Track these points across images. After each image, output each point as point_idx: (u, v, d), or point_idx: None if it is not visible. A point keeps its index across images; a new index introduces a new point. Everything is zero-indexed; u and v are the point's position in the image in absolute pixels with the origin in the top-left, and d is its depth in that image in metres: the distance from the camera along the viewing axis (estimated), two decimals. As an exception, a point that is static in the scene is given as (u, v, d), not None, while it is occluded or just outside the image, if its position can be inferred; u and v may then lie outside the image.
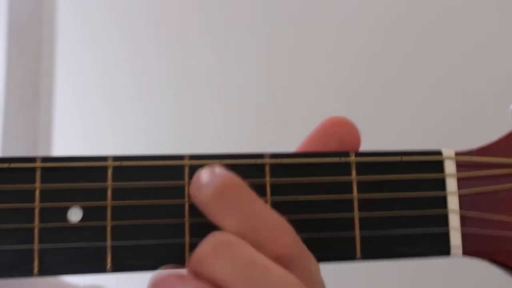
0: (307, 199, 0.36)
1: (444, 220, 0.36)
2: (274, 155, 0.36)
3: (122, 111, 1.25)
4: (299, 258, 0.33)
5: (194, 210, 0.35)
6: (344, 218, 0.36)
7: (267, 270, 0.31)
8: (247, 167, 0.36)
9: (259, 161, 0.36)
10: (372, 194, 0.36)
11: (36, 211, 0.35)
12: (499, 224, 0.36)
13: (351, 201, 0.36)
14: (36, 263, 0.34)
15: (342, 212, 0.36)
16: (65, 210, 0.35)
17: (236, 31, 1.08)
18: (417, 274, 0.82)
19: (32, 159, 0.35)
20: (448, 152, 0.37)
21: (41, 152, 1.31)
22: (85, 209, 0.35)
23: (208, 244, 0.32)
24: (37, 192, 0.35)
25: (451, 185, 0.36)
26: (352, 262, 0.36)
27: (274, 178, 0.36)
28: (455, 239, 0.36)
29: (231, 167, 0.35)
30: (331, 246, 0.35)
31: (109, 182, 0.35)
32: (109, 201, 0.35)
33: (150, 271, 0.35)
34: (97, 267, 0.35)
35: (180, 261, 0.35)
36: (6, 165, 0.35)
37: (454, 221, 0.36)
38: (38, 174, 0.35)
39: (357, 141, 0.37)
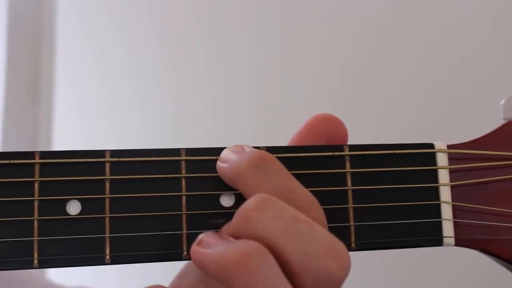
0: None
1: (436, 211, 0.37)
2: (269, 149, 0.37)
3: (122, 110, 1.26)
4: None
5: (191, 202, 0.36)
6: (339, 209, 0.36)
7: (311, 225, 0.32)
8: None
9: None
10: (366, 186, 0.37)
11: (36, 204, 0.35)
12: (490, 214, 0.37)
13: (345, 193, 0.37)
14: (35, 255, 0.35)
15: (337, 204, 0.37)
16: (64, 203, 0.35)
17: (235, 31, 1.09)
18: (411, 264, 0.82)
19: (31, 154, 0.36)
20: (440, 145, 0.38)
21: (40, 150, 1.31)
22: (83, 202, 0.35)
23: (254, 201, 0.32)
24: (36, 186, 0.35)
25: (443, 177, 0.37)
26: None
27: None
28: (448, 229, 0.37)
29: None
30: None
31: (107, 175, 0.36)
32: (107, 194, 0.35)
33: (148, 262, 0.36)
34: (96, 259, 0.35)
35: (177, 252, 0.35)
36: (6, 161, 0.35)
37: (447, 212, 0.37)
38: (37, 168, 0.36)
39: (345, 137, 0.38)
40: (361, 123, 0.84)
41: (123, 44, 1.27)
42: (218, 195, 0.36)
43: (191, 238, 0.35)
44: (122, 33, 1.28)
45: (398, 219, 0.37)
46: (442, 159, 0.37)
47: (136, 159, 0.36)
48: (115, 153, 0.36)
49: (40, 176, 0.35)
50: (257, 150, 0.35)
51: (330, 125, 0.37)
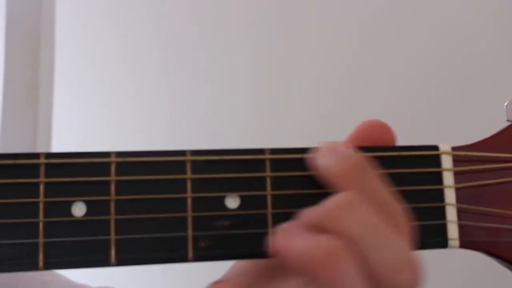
0: (307, 193, 0.36)
1: (441, 213, 0.37)
2: (274, 150, 0.37)
3: (121, 110, 1.26)
4: None
5: (196, 204, 0.36)
6: None
7: (390, 237, 0.32)
8: (247, 162, 0.36)
9: (259, 156, 0.37)
10: None
11: (41, 206, 0.35)
12: (495, 216, 0.37)
13: None
14: (41, 256, 0.35)
15: None
16: (69, 204, 0.35)
17: (234, 31, 1.09)
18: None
19: (36, 155, 0.36)
20: (444, 147, 0.38)
21: (40, 151, 1.31)
22: (88, 204, 0.35)
23: (340, 199, 0.32)
24: (41, 187, 0.35)
25: (448, 179, 0.37)
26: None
27: (274, 172, 0.36)
28: (452, 231, 0.37)
29: (232, 162, 0.36)
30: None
31: (112, 177, 0.36)
32: (112, 196, 0.35)
33: (153, 264, 0.36)
34: (101, 261, 0.35)
35: (183, 254, 0.35)
36: (11, 161, 0.35)
37: (451, 214, 0.37)
38: (42, 169, 0.35)
39: (393, 143, 0.38)
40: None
41: (122, 44, 1.27)
42: (223, 197, 0.36)
43: (197, 240, 0.35)
44: (121, 33, 1.27)
45: None
46: (446, 161, 0.37)
47: (142, 159, 0.36)
48: (120, 154, 0.36)
49: (45, 177, 0.35)
50: (358, 154, 0.35)
51: (379, 131, 0.38)
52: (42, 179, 0.35)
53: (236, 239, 0.36)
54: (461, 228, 0.36)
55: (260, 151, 0.37)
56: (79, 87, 1.33)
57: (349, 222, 0.32)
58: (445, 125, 0.81)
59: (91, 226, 0.35)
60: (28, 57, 1.32)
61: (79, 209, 0.35)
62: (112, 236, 0.35)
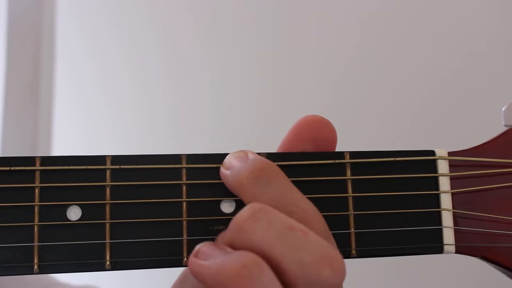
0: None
1: (437, 218, 0.37)
2: (270, 155, 0.37)
3: (121, 110, 1.26)
4: None
5: (192, 209, 0.36)
6: (339, 216, 0.36)
7: (306, 234, 0.32)
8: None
9: None
10: (367, 193, 0.37)
11: (36, 210, 0.35)
12: (491, 222, 0.37)
13: (346, 200, 0.37)
14: (36, 260, 0.35)
15: (337, 210, 0.37)
16: (65, 208, 0.35)
17: (234, 32, 1.09)
18: (412, 271, 0.82)
19: (31, 159, 0.36)
20: (441, 152, 0.38)
21: (41, 152, 1.31)
22: (84, 208, 0.35)
23: (247, 211, 0.32)
24: (37, 191, 0.35)
25: (444, 184, 0.37)
26: (347, 259, 0.36)
27: None
28: (448, 237, 0.37)
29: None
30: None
31: (108, 181, 0.36)
32: (107, 200, 0.35)
33: (148, 268, 0.36)
34: (96, 265, 0.35)
35: (178, 259, 0.35)
36: (7, 167, 0.35)
37: (447, 219, 0.37)
38: (37, 174, 0.36)
39: (333, 139, 0.37)
40: (361, 130, 0.84)
41: (122, 44, 1.27)
42: (219, 202, 0.36)
43: (192, 244, 0.35)
44: (122, 33, 1.28)
45: (399, 226, 0.37)
46: (443, 166, 0.37)
47: (137, 166, 0.36)
48: (116, 159, 0.36)
49: (41, 181, 0.35)
50: (260, 159, 0.34)
51: (317, 127, 0.37)
52: (37, 183, 0.35)
53: None
54: (457, 233, 0.36)
55: (256, 155, 0.37)
56: (79, 87, 1.33)
57: (258, 233, 0.31)
58: (442, 130, 0.81)
59: (86, 230, 0.35)
60: (29, 57, 1.32)
61: (74, 213, 0.35)
62: (107, 240, 0.35)
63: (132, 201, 0.36)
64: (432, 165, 0.37)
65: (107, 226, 0.35)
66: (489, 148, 0.38)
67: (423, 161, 0.37)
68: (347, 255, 0.36)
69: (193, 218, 0.36)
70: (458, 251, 0.37)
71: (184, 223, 0.36)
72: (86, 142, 1.29)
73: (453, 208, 0.37)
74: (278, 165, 0.36)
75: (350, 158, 0.37)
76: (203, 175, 0.36)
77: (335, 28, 0.94)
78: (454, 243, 0.36)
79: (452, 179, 0.37)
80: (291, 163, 0.37)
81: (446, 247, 0.36)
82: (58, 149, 1.32)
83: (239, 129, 1.05)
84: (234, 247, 0.32)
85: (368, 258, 0.37)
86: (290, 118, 1.00)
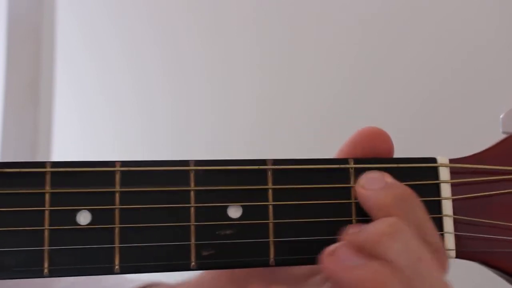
0: (308, 203, 0.37)
1: (438, 224, 0.38)
2: (276, 162, 0.38)
3: (121, 110, 1.26)
4: None
5: (199, 214, 0.36)
6: (343, 221, 0.37)
7: (429, 268, 0.33)
8: (250, 172, 0.37)
9: (261, 167, 0.37)
10: None
11: (46, 214, 0.36)
12: (491, 228, 0.37)
13: (349, 206, 0.37)
14: (46, 264, 0.35)
15: (341, 216, 0.37)
16: (74, 213, 0.36)
17: (234, 32, 1.09)
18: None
19: (42, 164, 0.36)
20: (442, 159, 0.39)
21: (41, 152, 1.32)
22: (93, 212, 0.36)
23: (388, 226, 0.34)
24: (47, 196, 0.36)
25: (445, 191, 0.38)
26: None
27: (276, 184, 0.37)
28: (449, 242, 0.37)
29: (235, 172, 0.37)
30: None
31: (117, 187, 0.36)
32: (117, 205, 0.36)
33: (157, 272, 0.36)
34: (105, 269, 0.36)
35: (186, 263, 0.36)
36: (17, 170, 0.36)
37: (448, 225, 0.38)
38: (47, 178, 0.36)
39: (391, 151, 0.39)
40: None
41: (122, 44, 1.27)
42: (226, 207, 0.37)
43: (199, 249, 0.36)
44: (122, 33, 1.28)
45: None
46: (444, 173, 0.38)
47: (146, 168, 0.37)
48: (125, 164, 0.37)
49: (51, 186, 0.36)
50: (401, 184, 0.36)
51: (377, 139, 0.38)
52: (47, 188, 0.36)
53: (238, 248, 0.36)
54: (458, 239, 0.37)
55: (262, 161, 0.37)
56: (79, 87, 1.33)
57: (396, 249, 0.33)
58: (443, 137, 0.82)
59: (95, 235, 0.36)
60: (29, 57, 1.32)
61: (84, 218, 0.36)
62: (116, 245, 0.36)
63: (141, 206, 0.36)
64: (433, 172, 0.38)
65: (117, 230, 0.36)
66: (490, 155, 0.38)
67: (425, 168, 0.38)
68: None
69: (201, 223, 0.36)
70: (459, 256, 0.37)
71: (192, 227, 0.36)
72: (86, 142, 1.29)
73: (454, 214, 0.38)
74: (285, 169, 0.37)
75: (354, 164, 0.38)
76: (210, 180, 0.37)
77: (336, 28, 0.95)
78: (454, 248, 0.37)
79: (453, 186, 0.38)
80: (297, 167, 0.38)
81: (447, 252, 0.37)
82: (58, 149, 1.33)
83: (239, 129, 1.06)
84: (363, 252, 0.33)
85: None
86: (290, 119, 1.00)
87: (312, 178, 0.38)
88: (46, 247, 0.36)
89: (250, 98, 1.05)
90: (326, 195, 0.37)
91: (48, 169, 0.36)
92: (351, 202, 0.37)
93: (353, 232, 0.35)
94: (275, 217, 0.37)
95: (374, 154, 0.38)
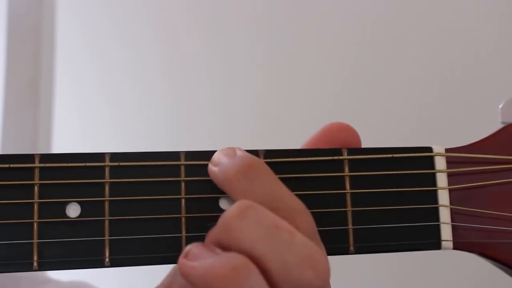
0: (302, 194, 0.36)
1: (435, 214, 0.37)
2: (268, 152, 0.37)
3: (121, 110, 1.26)
4: None
5: (190, 205, 0.36)
6: (337, 212, 0.37)
7: (291, 234, 0.32)
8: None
9: None
10: (365, 190, 0.37)
11: (35, 207, 0.35)
12: (488, 218, 0.37)
13: (344, 196, 0.37)
14: (35, 257, 0.35)
15: (335, 207, 0.37)
16: (64, 205, 0.36)
17: (235, 31, 1.09)
18: (412, 267, 0.83)
19: (30, 157, 0.36)
20: (438, 149, 0.38)
21: (40, 151, 1.31)
22: (83, 205, 0.36)
23: (235, 208, 0.32)
24: (36, 188, 0.36)
25: (442, 180, 0.37)
26: (345, 255, 0.37)
27: None
28: (446, 233, 0.37)
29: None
30: (325, 240, 0.36)
31: (107, 179, 0.36)
32: (106, 197, 0.36)
33: (147, 265, 0.36)
34: (95, 262, 0.35)
35: (176, 255, 0.35)
36: (6, 165, 0.36)
37: (445, 215, 0.37)
38: (36, 171, 0.36)
39: (359, 145, 0.38)
40: (359, 126, 0.84)
41: (122, 44, 1.27)
42: (217, 198, 0.36)
43: (190, 241, 0.35)
44: (122, 33, 1.28)
45: (396, 223, 0.37)
46: (440, 163, 0.37)
47: (136, 163, 0.36)
48: (114, 156, 0.36)
49: (40, 179, 0.36)
50: (248, 155, 0.35)
51: (345, 134, 0.37)
52: (36, 180, 0.36)
53: None
54: (455, 229, 0.37)
55: (255, 152, 0.37)
56: (79, 87, 1.33)
57: (244, 231, 0.31)
58: (439, 127, 0.81)
59: (85, 227, 0.35)
60: (29, 57, 1.32)
61: (73, 210, 0.36)
62: (106, 237, 0.35)
63: (131, 198, 0.36)
64: (429, 162, 0.38)
65: (106, 223, 0.35)
66: (486, 144, 0.38)
67: (421, 158, 0.38)
68: (345, 251, 0.37)
69: (192, 215, 0.36)
70: (456, 247, 0.37)
71: (183, 219, 0.36)
72: (86, 142, 1.29)
73: (451, 204, 0.37)
74: (277, 162, 0.36)
75: (348, 154, 0.37)
76: (201, 172, 0.36)
77: (335, 28, 0.94)
78: (451, 239, 0.37)
79: (450, 175, 0.37)
80: (289, 160, 0.37)
81: (443, 243, 0.37)
82: (58, 149, 1.32)
83: (239, 129, 1.05)
84: (222, 245, 0.32)
85: (366, 255, 0.37)
86: (290, 118, 1.00)
87: (305, 169, 0.37)
88: (35, 240, 0.35)
89: (250, 97, 1.05)
90: (319, 186, 0.37)
91: (37, 164, 0.36)
92: (346, 192, 0.37)
93: (210, 232, 0.33)
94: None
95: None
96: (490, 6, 0.79)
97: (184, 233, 0.36)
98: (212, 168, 0.35)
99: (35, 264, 0.35)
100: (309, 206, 0.36)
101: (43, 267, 0.35)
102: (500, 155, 0.37)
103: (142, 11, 1.24)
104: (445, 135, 0.78)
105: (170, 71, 1.18)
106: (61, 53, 1.35)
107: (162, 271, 0.40)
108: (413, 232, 0.37)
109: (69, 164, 0.36)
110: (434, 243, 0.37)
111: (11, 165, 0.36)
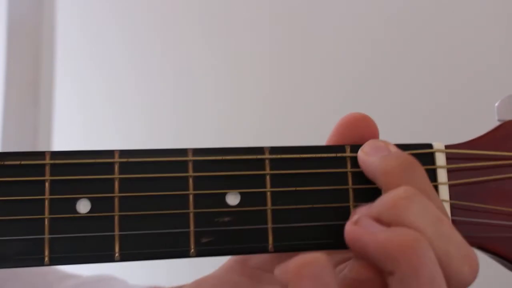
0: (306, 189, 0.37)
1: None
2: (273, 149, 0.38)
3: (122, 110, 1.26)
4: None
5: (198, 201, 0.37)
6: (341, 207, 0.38)
7: (453, 230, 0.33)
8: (247, 160, 0.37)
9: (259, 155, 0.38)
10: (367, 186, 0.38)
11: (46, 203, 0.36)
12: (488, 213, 0.38)
13: (347, 192, 0.38)
14: (46, 252, 0.36)
15: (338, 202, 0.38)
16: (74, 201, 0.36)
17: (240, 31, 1.09)
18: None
19: (41, 154, 0.37)
20: (438, 145, 0.39)
21: (41, 150, 1.32)
22: (93, 201, 0.36)
23: (401, 191, 0.33)
24: (47, 185, 0.36)
25: (442, 176, 0.38)
26: (347, 250, 0.38)
27: (274, 170, 0.37)
28: (446, 227, 0.38)
29: (232, 161, 0.37)
30: (327, 235, 0.37)
31: (116, 175, 0.37)
32: (116, 193, 0.36)
33: (156, 259, 0.37)
34: (105, 257, 0.36)
35: (185, 250, 0.36)
36: (17, 162, 0.36)
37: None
38: (47, 167, 0.36)
39: (376, 134, 0.39)
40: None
41: (123, 43, 1.27)
42: (224, 194, 0.37)
43: (198, 236, 0.36)
44: (122, 33, 1.28)
45: None
46: (440, 159, 0.38)
47: (145, 159, 0.37)
48: (124, 153, 0.37)
49: (51, 175, 0.36)
50: (406, 153, 0.36)
51: (362, 124, 0.38)
52: (47, 176, 0.36)
53: (237, 234, 0.37)
54: (454, 224, 0.38)
55: (260, 149, 0.38)
56: (79, 86, 1.33)
57: (415, 211, 0.32)
58: (439, 124, 0.82)
59: (95, 223, 0.36)
60: (29, 56, 1.33)
61: (83, 206, 0.36)
62: (116, 232, 0.36)
63: (140, 194, 0.37)
64: (430, 158, 0.39)
65: (116, 218, 0.36)
66: (485, 141, 0.39)
67: (421, 154, 0.39)
68: (347, 246, 0.38)
69: (200, 210, 0.37)
70: (456, 241, 0.38)
71: (191, 215, 0.37)
72: (86, 142, 1.29)
73: (450, 199, 0.38)
74: (280, 158, 0.37)
75: (351, 151, 0.38)
76: (209, 167, 0.37)
77: (339, 28, 0.95)
78: (451, 233, 0.38)
79: (449, 171, 0.38)
80: (292, 156, 0.38)
81: (444, 238, 0.38)
82: (58, 149, 1.33)
83: (245, 129, 1.06)
84: (381, 221, 0.33)
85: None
86: (296, 117, 1.00)
87: (309, 166, 0.38)
88: (46, 236, 0.36)
89: (255, 97, 1.05)
90: (323, 181, 0.38)
91: (48, 160, 0.37)
92: (349, 188, 0.38)
93: (365, 208, 0.34)
94: (273, 204, 0.37)
95: (361, 139, 0.38)
96: (489, 5, 0.79)
97: (192, 228, 0.36)
98: (366, 157, 0.36)
99: (46, 259, 0.36)
100: (313, 201, 0.37)
101: (54, 262, 0.36)
102: (499, 151, 0.38)
103: (144, 10, 1.24)
104: (444, 132, 0.79)
105: (172, 70, 1.18)
106: (61, 53, 1.35)
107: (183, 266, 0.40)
108: None
109: (79, 161, 0.37)
110: None
111: (22, 162, 0.36)
